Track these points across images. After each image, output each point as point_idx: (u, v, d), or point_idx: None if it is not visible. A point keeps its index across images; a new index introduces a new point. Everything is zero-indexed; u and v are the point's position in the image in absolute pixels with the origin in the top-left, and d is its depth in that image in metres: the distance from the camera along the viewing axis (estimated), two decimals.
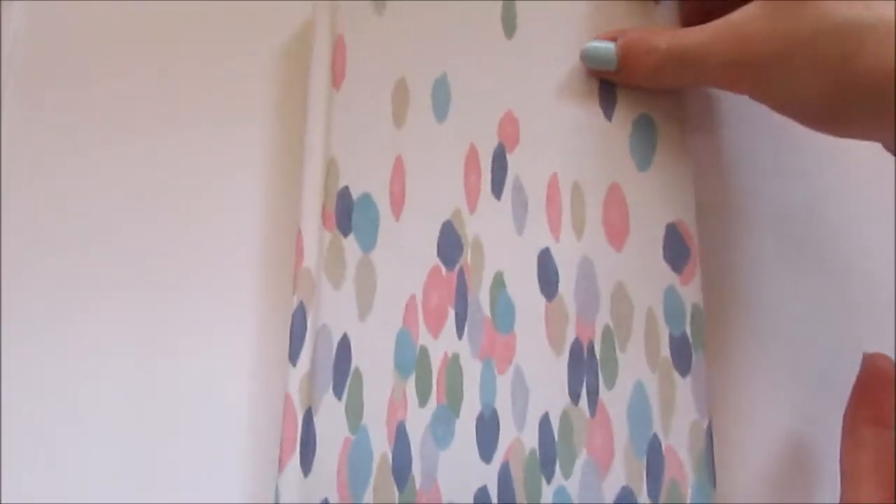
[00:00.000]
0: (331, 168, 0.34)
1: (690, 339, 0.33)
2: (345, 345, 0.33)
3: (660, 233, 0.34)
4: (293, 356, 0.33)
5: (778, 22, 0.28)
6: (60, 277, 0.37)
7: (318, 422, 0.32)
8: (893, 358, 0.30)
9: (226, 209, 0.38)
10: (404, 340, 0.33)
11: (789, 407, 0.35)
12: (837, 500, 0.30)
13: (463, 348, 0.33)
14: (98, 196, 0.38)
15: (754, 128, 0.38)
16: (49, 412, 0.35)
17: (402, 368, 0.32)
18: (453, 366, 0.33)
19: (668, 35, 0.32)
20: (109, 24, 0.41)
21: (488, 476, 0.31)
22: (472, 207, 0.34)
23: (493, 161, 0.34)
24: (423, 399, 0.32)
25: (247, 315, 0.36)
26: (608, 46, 0.33)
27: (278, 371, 0.34)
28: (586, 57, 0.34)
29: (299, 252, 0.34)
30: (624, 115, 0.35)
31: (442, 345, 0.33)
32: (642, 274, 0.33)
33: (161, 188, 0.38)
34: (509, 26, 0.36)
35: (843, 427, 0.33)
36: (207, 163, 0.38)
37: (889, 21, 0.26)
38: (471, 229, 0.34)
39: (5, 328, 0.37)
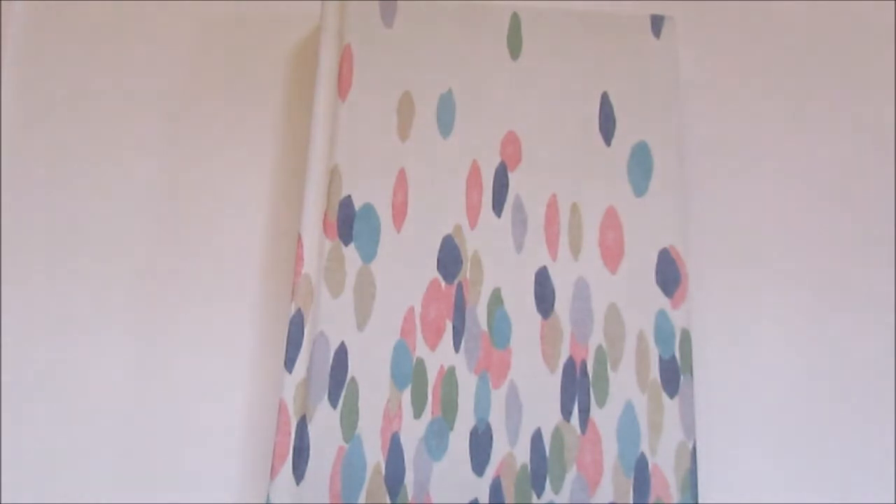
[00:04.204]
0: (334, 176, 0.35)
1: (679, 362, 0.34)
2: (342, 354, 0.33)
3: (653, 257, 0.34)
4: (289, 363, 0.33)
5: None
6: (60, 283, 0.37)
7: (313, 430, 0.32)
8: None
9: (227, 213, 0.37)
10: (401, 352, 0.33)
11: (773, 430, 0.36)
12: None
13: (459, 362, 0.33)
14: (98, 200, 0.38)
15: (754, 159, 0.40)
16: (49, 416, 0.35)
17: (398, 379, 0.33)
18: (449, 379, 0.33)
19: None
20: (109, 26, 0.40)
21: (480, 489, 0.32)
22: (473, 223, 0.35)
23: (495, 179, 0.35)
24: (418, 410, 0.32)
25: (246, 320, 0.36)
26: None
27: (276, 377, 0.34)
28: None
29: (299, 259, 0.34)
30: (622, 141, 0.36)
31: (439, 357, 0.33)
32: (635, 296, 0.34)
33: (162, 191, 0.38)
34: (515, 48, 0.36)
35: None
36: (209, 165, 0.38)
37: None
38: (471, 245, 0.34)
39: (6, 332, 0.36)
